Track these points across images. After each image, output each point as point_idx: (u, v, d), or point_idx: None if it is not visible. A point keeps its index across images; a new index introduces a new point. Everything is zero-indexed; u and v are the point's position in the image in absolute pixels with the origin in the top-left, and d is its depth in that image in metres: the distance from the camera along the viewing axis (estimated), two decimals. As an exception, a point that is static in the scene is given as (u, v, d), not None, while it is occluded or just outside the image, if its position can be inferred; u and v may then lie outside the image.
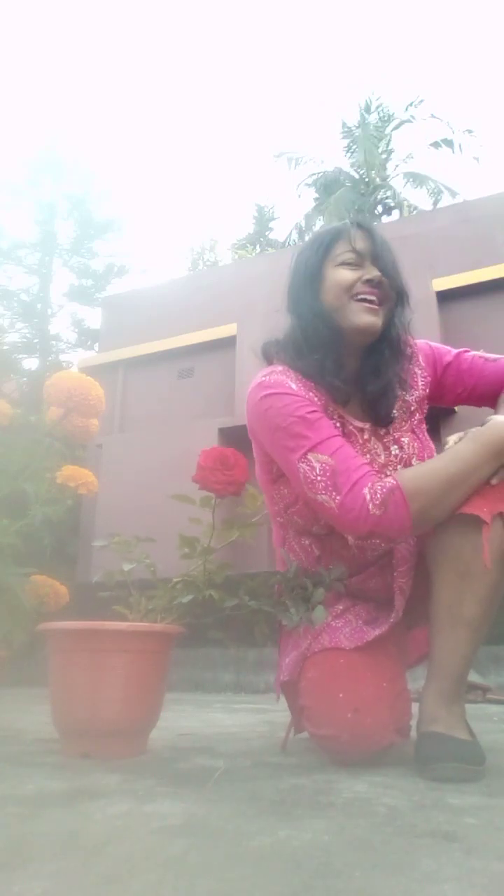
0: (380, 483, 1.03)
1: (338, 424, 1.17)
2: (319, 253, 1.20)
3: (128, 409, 4.70)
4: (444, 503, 1.02)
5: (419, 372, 1.27)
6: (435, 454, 1.20)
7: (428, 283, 3.77)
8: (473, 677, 2.18)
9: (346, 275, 1.16)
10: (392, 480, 1.03)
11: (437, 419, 3.58)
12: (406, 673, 1.21)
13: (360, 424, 1.21)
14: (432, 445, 1.26)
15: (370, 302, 1.16)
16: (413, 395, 1.25)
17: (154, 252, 33.49)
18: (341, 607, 1.20)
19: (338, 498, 1.04)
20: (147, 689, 1.15)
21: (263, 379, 1.16)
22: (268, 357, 1.26)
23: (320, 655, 1.15)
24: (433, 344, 1.32)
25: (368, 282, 1.16)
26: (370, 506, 1.02)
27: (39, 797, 0.85)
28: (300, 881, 0.57)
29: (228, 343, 4.32)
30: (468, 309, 3.82)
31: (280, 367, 1.18)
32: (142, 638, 1.14)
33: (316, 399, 1.15)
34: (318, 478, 1.06)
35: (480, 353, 1.30)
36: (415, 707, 1.11)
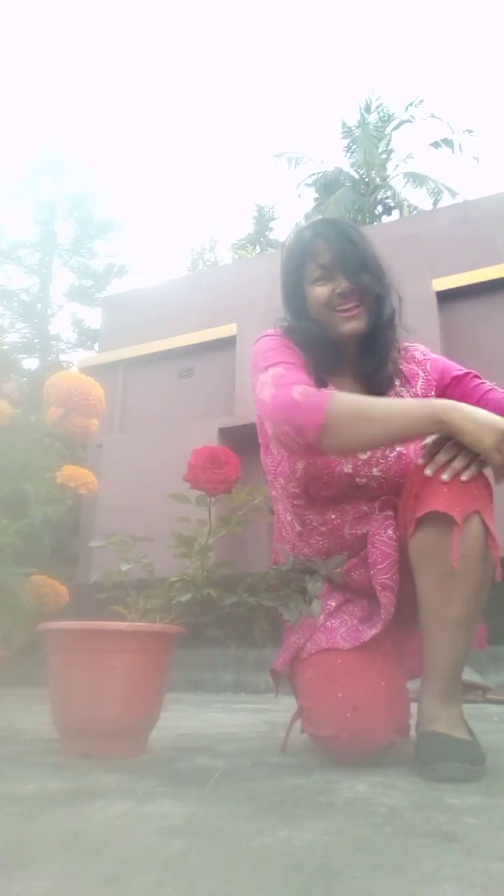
0: (316, 388, 1.12)
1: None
2: (295, 274, 1.29)
3: (128, 409, 4.70)
4: (359, 427, 1.07)
5: (422, 374, 1.32)
6: None
7: (428, 283, 3.77)
8: (473, 677, 2.18)
9: (321, 292, 1.25)
10: (329, 390, 1.12)
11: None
12: (405, 674, 1.21)
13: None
14: None
15: (349, 310, 1.23)
16: (410, 391, 1.30)
17: (154, 252, 33.50)
18: (334, 604, 1.20)
19: (273, 391, 1.13)
20: (147, 689, 1.15)
21: (266, 330, 1.31)
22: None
23: (317, 656, 1.15)
24: (448, 360, 1.38)
25: (340, 294, 1.23)
26: (295, 393, 1.10)
27: (39, 797, 0.85)
28: (300, 881, 0.57)
29: (228, 343, 4.32)
30: (468, 309, 3.81)
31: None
32: (142, 638, 1.14)
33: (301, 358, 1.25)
34: (269, 380, 1.16)
35: (492, 384, 1.32)
36: (414, 707, 1.11)
